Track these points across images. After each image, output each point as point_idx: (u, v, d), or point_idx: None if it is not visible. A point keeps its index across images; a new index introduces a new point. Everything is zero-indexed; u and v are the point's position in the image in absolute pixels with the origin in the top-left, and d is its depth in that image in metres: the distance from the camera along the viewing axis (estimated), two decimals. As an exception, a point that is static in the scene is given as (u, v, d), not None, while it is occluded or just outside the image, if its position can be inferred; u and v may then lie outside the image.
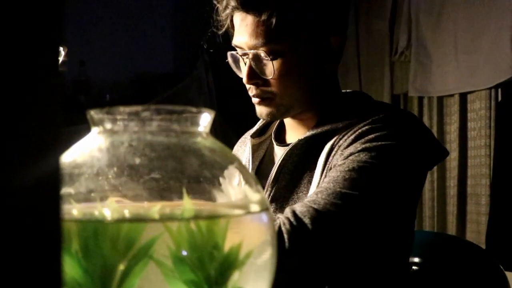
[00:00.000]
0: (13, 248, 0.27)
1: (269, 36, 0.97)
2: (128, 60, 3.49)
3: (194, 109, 0.46)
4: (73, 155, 0.46)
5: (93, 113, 0.46)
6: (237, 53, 1.03)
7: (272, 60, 0.98)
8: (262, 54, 0.98)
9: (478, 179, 2.61)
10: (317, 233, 0.84)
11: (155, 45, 3.62)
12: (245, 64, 1.01)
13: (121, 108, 0.45)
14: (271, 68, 0.98)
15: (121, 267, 0.42)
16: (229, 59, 1.05)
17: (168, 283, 0.43)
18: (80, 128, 0.48)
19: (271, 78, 0.99)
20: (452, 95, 2.76)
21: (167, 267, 0.43)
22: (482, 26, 2.55)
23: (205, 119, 0.48)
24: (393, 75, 3.01)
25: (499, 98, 2.53)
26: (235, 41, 1.02)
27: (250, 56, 0.99)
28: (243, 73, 1.02)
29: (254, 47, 0.98)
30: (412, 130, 0.98)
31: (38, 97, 0.29)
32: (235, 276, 0.44)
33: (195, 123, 0.47)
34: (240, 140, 1.25)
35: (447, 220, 2.78)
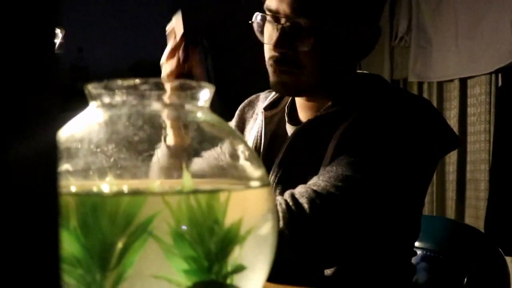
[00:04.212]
0: (9, 224, 0.26)
1: (317, 9, 0.91)
2: (126, 47, 3.47)
3: (194, 83, 0.46)
4: (71, 129, 0.46)
5: (91, 87, 0.45)
6: (269, 15, 0.95)
7: (312, 33, 0.91)
8: (303, 24, 0.92)
9: (477, 165, 2.61)
10: (313, 214, 0.83)
11: (153, 32, 3.60)
12: (277, 30, 0.94)
13: (119, 82, 0.44)
14: (309, 40, 0.92)
15: (120, 243, 0.42)
16: (255, 21, 0.98)
17: (168, 259, 0.43)
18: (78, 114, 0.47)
19: (304, 51, 0.93)
20: (452, 80, 2.75)
21: (166, 243, 0.42)
22: (483, 11, 2.53)
23: (205, 94, 0.47)
24: (393, 60, 3.00)
25: (499, 83, 2.53)
26: (269, 4, 0.95)
27: (287, 23, 0.92)
28: (270, 39, 0.95)
29: (295, 16, 0.92)
30: (424, 117, 0.95)
31: (35, 69, 0.28)
32: (236, 252, 0.44)
33: (195, 97, 0.46)
34: (246, 103, 1.18)
35: (446, 205, 2.78)
